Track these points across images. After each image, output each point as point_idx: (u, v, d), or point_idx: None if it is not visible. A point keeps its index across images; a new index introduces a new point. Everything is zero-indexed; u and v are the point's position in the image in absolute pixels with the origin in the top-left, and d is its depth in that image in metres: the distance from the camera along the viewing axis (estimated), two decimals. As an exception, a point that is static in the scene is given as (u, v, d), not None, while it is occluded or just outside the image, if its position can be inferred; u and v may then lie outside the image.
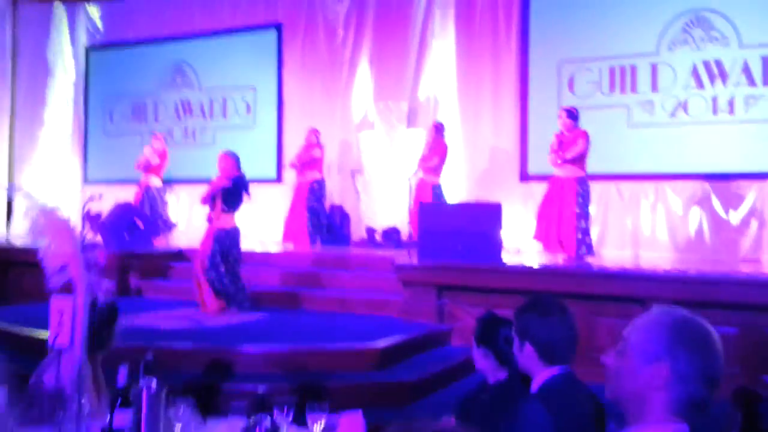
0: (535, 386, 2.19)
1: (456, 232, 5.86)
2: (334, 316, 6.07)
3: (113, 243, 7.28)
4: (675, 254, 7.59)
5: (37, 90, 11.36)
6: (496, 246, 5.84)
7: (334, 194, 9.45)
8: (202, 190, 9.15)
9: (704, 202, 7.54)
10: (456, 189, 8.69)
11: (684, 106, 7.74)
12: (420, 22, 9.08)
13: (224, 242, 6.15)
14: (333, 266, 6.99)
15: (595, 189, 8.02)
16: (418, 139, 8.66)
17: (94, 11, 11.43)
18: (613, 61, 8.08)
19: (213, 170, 10.12)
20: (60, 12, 11.47)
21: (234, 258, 6.21)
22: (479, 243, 5.80)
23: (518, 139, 8.51)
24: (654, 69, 7.88)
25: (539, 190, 8.20)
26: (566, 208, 6.81)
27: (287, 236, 8.64)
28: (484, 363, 2.62)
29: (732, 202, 7.43)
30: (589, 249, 7.04)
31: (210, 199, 6.29)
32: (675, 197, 7.72)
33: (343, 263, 7.01)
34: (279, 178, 9.81)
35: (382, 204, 9.04)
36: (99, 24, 11.39)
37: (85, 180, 11.33)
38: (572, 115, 6.97)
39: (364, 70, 9.37)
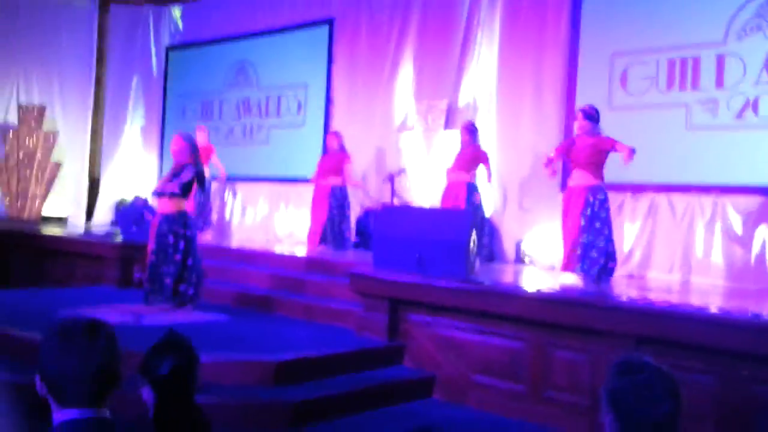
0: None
1: (416, 240, 5.17)
2: (287, 323, 5.60)
3: (123, 234, 7.26)
4: (729, 282, 6.31)
5: (123, 89, 11.92)
6: (460, 259, 5.06)
7: (371, 197, 8.96)
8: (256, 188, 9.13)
9: (769, 222, 6.20)
10: (490, 198, 7.90)
11: (754, 106, 6.42)
12: (465, 14, 8.34)
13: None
14: (320, 271, 6.51)
15: (644, 201, 6.96)
16: (456, 140, 7.96)
17: (176, 12, 11.80)
18: (672, 52, 6.90)
19: (265, 169, 10.13)
20: (147, 13, 11.97)
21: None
22: (441, 254, 5.06)
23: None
24: (720, 61, 6.61)
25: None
26: (573, 220, 5.88)
27: (311, 239, 8.31)
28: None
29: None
30: (595, 267, 5.94)
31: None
32: (735, 214, 6.42)
33: (330, 269, 6.50)
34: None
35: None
36: (180, 24, 11.75)
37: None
38: (589, 115, 5.97)
39: (407, 67, 8.80)
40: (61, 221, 10.76)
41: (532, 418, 4.52)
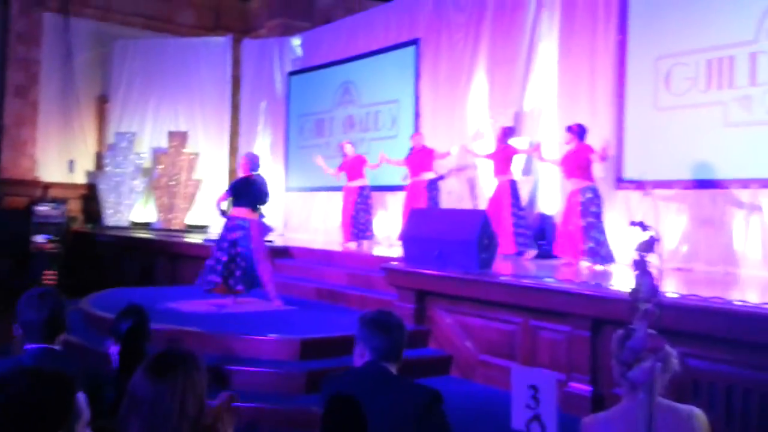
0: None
1: (436, 239, 6.06)
2: (340, 311, 6.72)
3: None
4: None
5: (253, 112, 13.71)
6: (472, 255, 5.88)
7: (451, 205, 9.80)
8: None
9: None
10: (551, 196, 8.50)
11: (787, 101, 6.57)
12: (529, 29, 8.98)
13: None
14: (375, 267, 7.54)
15: (687, 198, 7.29)
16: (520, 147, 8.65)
17: (296, 42, 13.37)
18: (709, 53, 7.16)
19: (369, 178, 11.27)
20: (273, 44, 13.67)
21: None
22: (456, 251, 5.92)
23: (613, 142, 7.96)
24: (753, 59, 6.81)
25: (635, 196, 7.71)
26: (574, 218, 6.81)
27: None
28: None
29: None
30: (603, 258, 6.87)
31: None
32: (771, 208, 6.60)
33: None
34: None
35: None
36: (299, 52, 13.30)
37: (287, 188, 13.25)
38: (572, 130, 7.21)
39: (480, 80, 9.57)
40: (202, 229, 12.69)
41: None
